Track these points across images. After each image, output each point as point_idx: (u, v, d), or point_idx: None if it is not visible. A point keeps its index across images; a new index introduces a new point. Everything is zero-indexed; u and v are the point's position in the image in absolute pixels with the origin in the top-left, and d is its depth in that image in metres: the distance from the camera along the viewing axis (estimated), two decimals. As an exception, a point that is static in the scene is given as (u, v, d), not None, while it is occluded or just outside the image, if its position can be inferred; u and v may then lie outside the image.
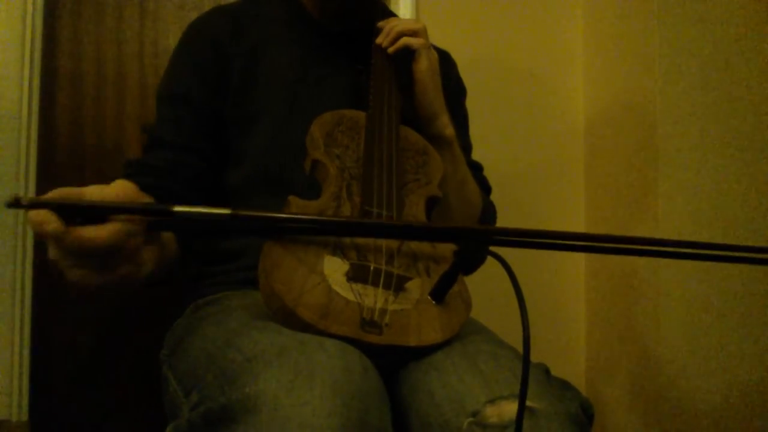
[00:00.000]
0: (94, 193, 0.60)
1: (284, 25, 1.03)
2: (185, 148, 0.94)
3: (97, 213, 0.57)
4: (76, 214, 0.56)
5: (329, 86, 0.99)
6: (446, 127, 0.98)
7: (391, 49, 0.97)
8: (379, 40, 0.98)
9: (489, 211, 1.08)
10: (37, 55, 1.32)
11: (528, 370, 0.57)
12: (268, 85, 0.97)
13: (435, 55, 0.98)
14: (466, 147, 1.11)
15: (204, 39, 0.99)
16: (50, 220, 0.54)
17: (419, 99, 0.96)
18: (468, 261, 0.73)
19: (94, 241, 0.56)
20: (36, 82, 1.32)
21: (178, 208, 0.58)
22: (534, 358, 0.64)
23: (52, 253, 0.58)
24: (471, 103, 1.17)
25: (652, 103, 1.36)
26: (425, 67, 0.96)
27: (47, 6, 1.34)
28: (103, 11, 1.38)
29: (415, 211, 0.83)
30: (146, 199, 0.76)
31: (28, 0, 1.30)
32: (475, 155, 1.15)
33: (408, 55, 0.96)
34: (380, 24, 0.99)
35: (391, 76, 0.96)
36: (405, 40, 0.96)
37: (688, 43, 1.37)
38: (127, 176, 0.81)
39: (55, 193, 0.57)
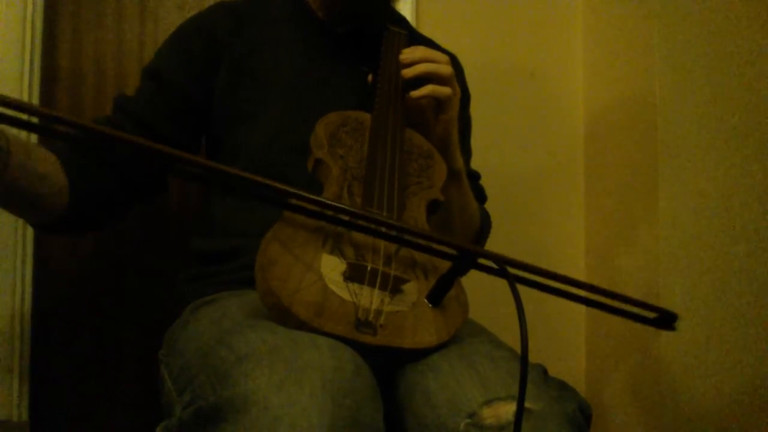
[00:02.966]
0: None
1: (288, 24, 1.02)
2: (138, 121, 0.95)
3: None
4: None
5: (332, 87, 0.99)
6: (457, 160, 0.97)
7: (409, 75, 0.93)
8: (402, 58, 0.94)
9: (484, 225, 1.09)
10: (37, 55, 1.32)
11: (526, 372, 0.57)
12: (267, 84, 0.97)
13: (458, 92, 0.95)
14: (467, 154, 1.11)
15: (198, 30, 1.00)
16: None
17: (437, 135, 0.94)
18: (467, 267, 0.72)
19: None
20: (36, 82, 1.32)
21: None
22: (534, 358, 0.64)
23: None
24: (471, 104, 1.17)
25: (652, 103, 1.36)
26: (450, 117, 0.94)
27: (47, 6, 1.34)
28: (103, 11, 1.38)
29: (416, 213, 0.82)
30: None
31: (28, 0, 1.30)
32: (475, 155, 1.15)
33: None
34: (405, 50, 0.95)
35: (399, 83, 0.95)
36: (432, 90, 0.91)
37: (688, 42, 1.37)
38: None
39: None
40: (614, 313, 0.71)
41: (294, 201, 0.68)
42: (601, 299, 0.71)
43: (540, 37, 1.58)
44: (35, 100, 1.31)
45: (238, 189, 0.75)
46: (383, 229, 0.71)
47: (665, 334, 1.31)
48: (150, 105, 0.97)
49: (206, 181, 0.87)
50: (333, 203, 0.69)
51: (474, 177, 1.11)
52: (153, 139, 0.94)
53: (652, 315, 0.70)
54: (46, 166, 0.84)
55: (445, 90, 0.92)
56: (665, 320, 0.68)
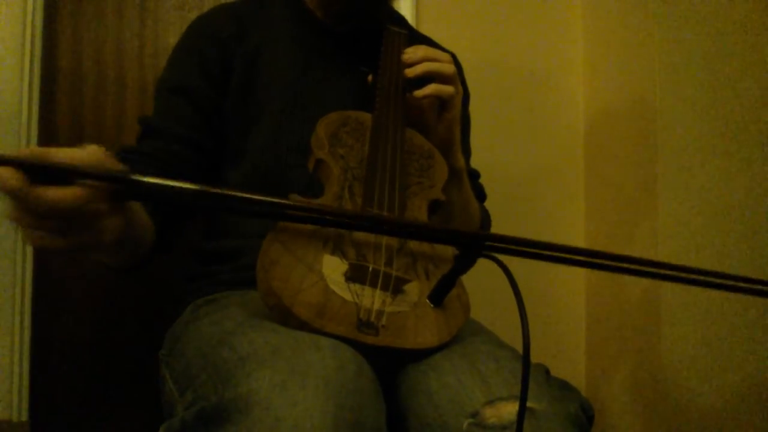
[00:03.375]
0: (63, 155, 0.57)
1: (287, 25, 1.02)
2: (180, 138, 0.93)
3: (61, 175, 0.55)
4: (39, 173, 0.54)
5: (331, 87, 0.99)
6: (458, 159, 0.97)
7: (412, 74, 0.93)
8: (405, 58, 0.94)
9: (484, 224, 1.09)
10: (37, 55, 1.32)
11: (528, 372, 0.57)
12: (269, 85, 0.97)
13: (461, 91, 0.95)
14: (466, 153, 1.11)
15: (208, 36, 0.98)
16: (12, 177, 0.52)
17: (439, 134, 0.94)
18: (468, 265, 0.72)
19: (55, 202, 0.54)
20: (36, 82, 1.32)
21: (139, 178, 0.56)
22: (534, 358, 0.64)
23: (12, 212, 0.55)
24: (471, 103, 1.17)
25: (652, 103, 1.36)
26: (452, 116, 0.94)
27: (47, 6, 1.34)
28: (103, 11, 1.38)
29: (417, 213, 0.82)
30: (119, 166, 0.75)
31: (28, 0, 1.30)
32: (475, 155, 1.15)
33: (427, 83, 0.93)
34: (407, 50, 0.95)
35: (400, 83, 0.94)
36: (436, 89, 0.91)
37: (688, 43, 1.37)
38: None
39: (23, 153, 0.55)
40: (736, 290, 0.72)
41: (291, 212, 0.67)
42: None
43: (540, 37, 1.58)
44: (35, 101, 1.32)
45: (229, 210, 0.73)
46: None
47: (665, 335, 1.31)
48: (186, 120, 0.95)
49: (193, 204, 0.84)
50: (328, 208, 0.69)
51: (474, 176, 1.11)
52: (194, 151, 0.93)
53: None
54: (142, 212, 0.80)
55: (448, 89, 0.92)
56: None
